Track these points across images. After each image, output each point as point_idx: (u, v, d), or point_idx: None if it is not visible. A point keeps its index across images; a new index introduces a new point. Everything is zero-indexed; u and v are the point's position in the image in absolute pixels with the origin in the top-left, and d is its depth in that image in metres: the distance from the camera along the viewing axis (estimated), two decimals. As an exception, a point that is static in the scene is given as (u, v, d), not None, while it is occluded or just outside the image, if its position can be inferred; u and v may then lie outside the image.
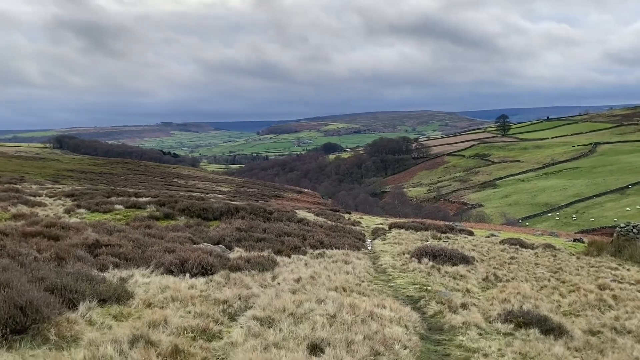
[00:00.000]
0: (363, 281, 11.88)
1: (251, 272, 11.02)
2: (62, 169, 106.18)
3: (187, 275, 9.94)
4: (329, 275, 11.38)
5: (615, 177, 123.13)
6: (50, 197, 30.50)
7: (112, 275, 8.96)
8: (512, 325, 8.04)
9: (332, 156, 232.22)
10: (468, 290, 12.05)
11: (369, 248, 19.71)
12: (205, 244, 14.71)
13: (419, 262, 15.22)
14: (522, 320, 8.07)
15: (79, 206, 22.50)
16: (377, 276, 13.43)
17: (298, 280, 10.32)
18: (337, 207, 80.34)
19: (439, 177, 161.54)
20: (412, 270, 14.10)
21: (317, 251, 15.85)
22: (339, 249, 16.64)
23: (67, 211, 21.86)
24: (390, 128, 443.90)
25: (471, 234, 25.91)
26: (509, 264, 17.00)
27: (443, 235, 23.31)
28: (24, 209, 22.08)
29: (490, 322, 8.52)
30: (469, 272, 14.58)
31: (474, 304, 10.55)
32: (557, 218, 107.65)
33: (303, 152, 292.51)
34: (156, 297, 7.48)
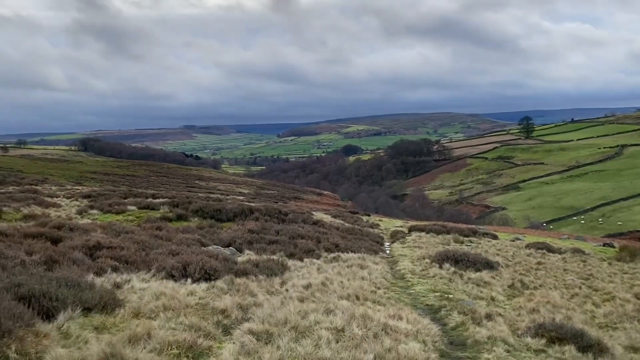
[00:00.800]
0: (379, 288, 11.07)
1: (258, 277, 10.30)
2: (86, 171, 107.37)
3: (189, 280, 9.26)
4: (342, 282, 10.59)
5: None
6: (67, 198, 30.31)
7: (107, 280, 8.31)
8: (543, 341, 7.15)
9: (352, 158, 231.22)
10: (493, 299, 11.15)
11: (387, 252, 18.86)
12: (215, 246, 14.06)
13: (440, 267, 14.34)
14: (555, 335, 7.18)
15: (92, 207, 22.10)
16: (395, 282, 12.60)
17: (308, 286, 9.56)
18: (356, 209, 79.45)
19: (461, 180, 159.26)
20: (433, 277, 13.23)
21: (332, 255, 15.07)
22: (355, 252, 15.84)
23: (80, 212, 21.48)
24: (412, 130, 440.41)
25: (495, 237, 24.83)
26: (535, 269, 15.99)
27: (466, 238, 22.32)
28: (37, 210, 21.75)
29: (518, 337, 7.64)
30: (494, 278, 13.66)
31: (500, 314, 9.66)
32: (583, 222, 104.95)
33: (323, 154, 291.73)
34: (148, 305, 6.79)
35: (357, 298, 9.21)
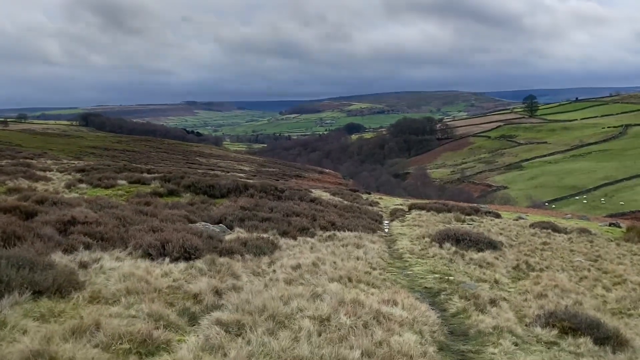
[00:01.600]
0: (374, 269, 10.30)
1: (245, 256, 9.53)
2: (86, 145, 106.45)
3: (167, 259, 8.50)
4: (335, 262, 9.82)
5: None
6: (60, 172, 29.53)
7: (74, 259, 7.54)
8: (555, 332, 6.38)
9: (354, 136, 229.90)
10: (497, 281, 10.39)
11: (386, 230, 18.09)
12: (204, 223, 13.29)
13: (440, 247, 13.58)
14: (568, 325, 6.41)
15: (81, 181, 21.33)
16: (392, 262, 11.83)
17: (297, 267, 8.79)
18: (357, 187, 78.70)
19: (463, 159, 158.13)
20: (432, 257, 12.47)
21: (327, 233, 14.30)
22: (351, 231, 15.07)
23: (68, 186, 20.72)
24: (415, 108, 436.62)
25: (498, 216, 24.04)
26: (541, 250, 15.22)
27: (467, 217, 21.53)
28: (24, 184, 20.99)
29: (526, 326, 6.88)
30: (497, 259, 12.90)
31: (505, 299, 8.91)
32: (585, 201, 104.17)
33: (325, 132, 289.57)
34: (111, 288, 6.02)
35: (350, 280, 8.44)
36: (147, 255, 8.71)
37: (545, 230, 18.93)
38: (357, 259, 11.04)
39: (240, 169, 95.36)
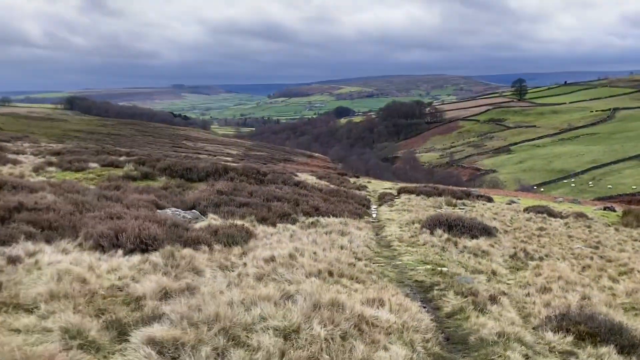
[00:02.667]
0: (360, 259, 9.26)
1: (213, 247, 8.43)
2: (70, 129, 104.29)
3: (120, 251, 7.39)
4: (315, 252, 8.75)
5: (634, 143, 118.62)
6: (35, 155, 28.17)
7: (3, 252, 6.40)
8: (570, 338, 5.37)
9: (343, 120, 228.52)
10: (494, 272, 9.40)
11: (374, 216, 17.06)
12: (174, 209, 12.16)
13: (432, 233, 12.57)
14: (585, 330, 5.41)
15: (50, 164, 20.03)
16: (379, 252, 10.79)
17: (271, 259, 7.70)
18: (346, 171, 77.71)
19: (452, 142, 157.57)
20: (423, 244, 11.45)
21: (310, 219, 13.23)
22: (336, 216, 14.01)
23: (36, 169, 19.40)
24: (404, 92, 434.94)
25: (490, 200, 23.10)
26: (538, 236, 14.27)
27: (459, 201, 20.57)
28: (-12, 167, 19.67)
29: (535, 329, 5.87)
30: (493, 246, 11.92)
31: (504, 293, 7.93)
32: (573, 185, 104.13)
33: (314, 116, 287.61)
34: (33, 291, 4.90)
35: (331, 274, 7.37)
36: (98, 246, 7.59)
37: (540, 215, 18.01)
38: (341, 248, 9.99)
39: (228, 153, 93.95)
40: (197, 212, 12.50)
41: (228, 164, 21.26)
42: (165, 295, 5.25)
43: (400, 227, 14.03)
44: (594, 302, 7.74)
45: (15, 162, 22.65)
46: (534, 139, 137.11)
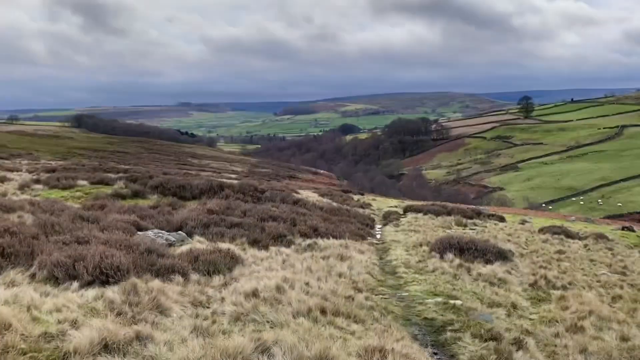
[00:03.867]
0: (360, 290, 8.08)
1: (189, 277, 7.29)
2: (75, 147, 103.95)
3: (76, 284, 6.26)
4: (308, 283, 7.58)
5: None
6: (30, 172, 27.24)
7: None
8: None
9: (349, 137, 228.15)
10: (514, 306, 8.18)
11: (378, 236, 15.85)
12: (156, 230, 11.03)
13: (442, 258, 11.36)
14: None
15: (37, 181, 19.05)
16: (383, 280, 9.59)
17: (253, 294, 6.54)
18: (351, 188, 76.51)
19: (459, 159, 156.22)
20: (432, 271, 10.24)
21: (308, 241, 12.07)
22: (337, 238, 12.83)
23: (22, 187, 18.40)
24: (410, 109, 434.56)
25: (502, 219, 21.84)
26: (557, 260, 13.01)
27: (469, 221, 19.33)
28: (-28, 184, 18.69)
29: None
30: (510, 273, 10.69)
31: (529, 332, 6.73)
32: (582, 202, 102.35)
33: (320, 133, 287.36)
34: None
35: (324, 312, 6.18)
36: (52, 277, 6.47)
37: (557, 236, 16.73)
38: (340, 276, 8.81)
39: (233, 170, 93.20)
40: (184, 234, 11.38)
41: (225, 180, 20.16)
42: (104, 348, 4.10)
43: (407, 250, 12.83)
44: (636, 345, 6.51)
45: (4, 180, 21.69)
46: (541, 157, 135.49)
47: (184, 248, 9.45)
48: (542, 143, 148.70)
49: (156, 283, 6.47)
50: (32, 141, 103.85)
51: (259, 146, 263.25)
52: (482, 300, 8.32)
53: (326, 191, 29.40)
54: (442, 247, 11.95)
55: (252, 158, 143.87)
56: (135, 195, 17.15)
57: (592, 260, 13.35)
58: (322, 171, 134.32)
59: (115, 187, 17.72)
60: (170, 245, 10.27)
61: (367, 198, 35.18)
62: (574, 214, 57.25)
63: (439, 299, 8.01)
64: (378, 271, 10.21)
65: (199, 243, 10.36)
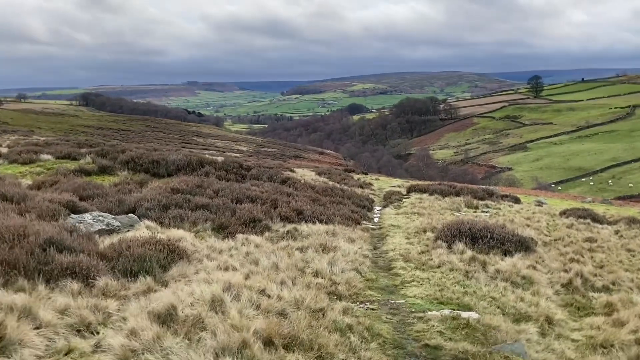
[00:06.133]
0: (340, 297, 5.90)
1: (96, 283, 5.11)
2: (79, 124, 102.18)
3: None
4: (262, 290, 5.38)
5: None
6: (10, 147, 25.23)
7: None
8: None
9: (356, 117, 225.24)
10: (549, 320, 5.97)
11: (375, 220, 13.61)
12: (97, 213, 8.84)
13: (450, 248, 9.15)
14: None
15: (-1, 156, 16.92)
16: (374, 279, 7.38)
17: (167, 314, 4.33)
18: (356, 168, 74.28)
19: (467, 140, 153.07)
20: (438, 267, 8.02)
21: (288, 227, 9.87)
22: (324, 223, 10.62)
23: (-21, 162, 16.30)
24: (418, 89, 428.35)
25: (517, 201, 19.44)
26: (589, 250, 10.72)
27: (481, 202, 17.00)
28: None
29: None
30: (535, 268, 8.46)
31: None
32: (592, 183, 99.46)
33: (327, 113, 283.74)
34: None
35: (270, 343, 3.98)
36: None
37: (583, 221, 14.35)
38: (316, 275, 6.62)
39: (238, 149, 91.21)
40: (135, 217, 9.20)
41: (207, 156, 17.94)
42: None
43: (408, 238, 10.60)
44: None
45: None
46: (550, 137, 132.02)
47: (122, 237, 7.27)
48: (551, 123, 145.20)
49: (21, 298, 4.29)
50: (36, 119, 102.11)
51: (266, 126, 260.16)
52: (505, 311, 6.12)
53: (324, 170, 27.13)
54: (450, 235, 9.72)
55: (258, 138, 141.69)
56: (103, 171, 15.00)
57: (629, 251, 11.07)
58: (328, 151, 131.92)
59: (81, 162, 15.56)
60: (111, 231, 8.12)
61: (370, 178, 32.90)
62: (585, 196, 54.70)
63: (446, 311, 5.79)
64: (369, 266, 7.99)
65: (146, 229, 8.19)
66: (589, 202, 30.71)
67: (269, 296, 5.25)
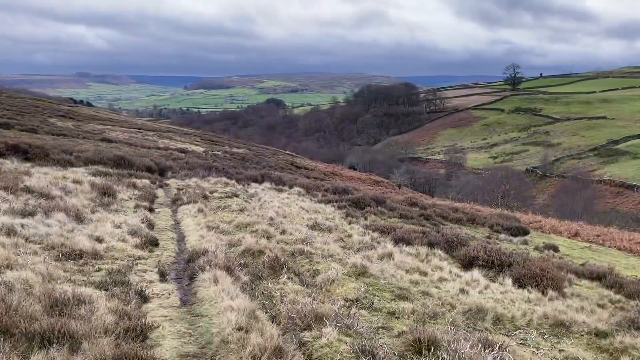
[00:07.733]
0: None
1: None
2: None
3: None
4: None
5: None
6: None
7: None
8: None
9: (299, 109, 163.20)
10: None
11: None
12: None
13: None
14: None
15: None
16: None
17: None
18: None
19: (485, 139, 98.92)
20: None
21: None
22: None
23: None
24: (328, 88, 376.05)
25: None
26: None
27: None
28: None
29: None
30: None
31: None
32: None
33: (238, 109, 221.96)
34: None
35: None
36: None
37: None
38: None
39: (181, 148, 27.78)
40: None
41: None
42: None
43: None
44: None
45: None
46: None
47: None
48: (605, 117, 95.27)
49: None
50: None
51: (170, 120, 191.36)
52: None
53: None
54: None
55: (190, 129, 75.00)
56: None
57: None
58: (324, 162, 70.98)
59: None
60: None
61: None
62: None
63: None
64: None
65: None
66: None
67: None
